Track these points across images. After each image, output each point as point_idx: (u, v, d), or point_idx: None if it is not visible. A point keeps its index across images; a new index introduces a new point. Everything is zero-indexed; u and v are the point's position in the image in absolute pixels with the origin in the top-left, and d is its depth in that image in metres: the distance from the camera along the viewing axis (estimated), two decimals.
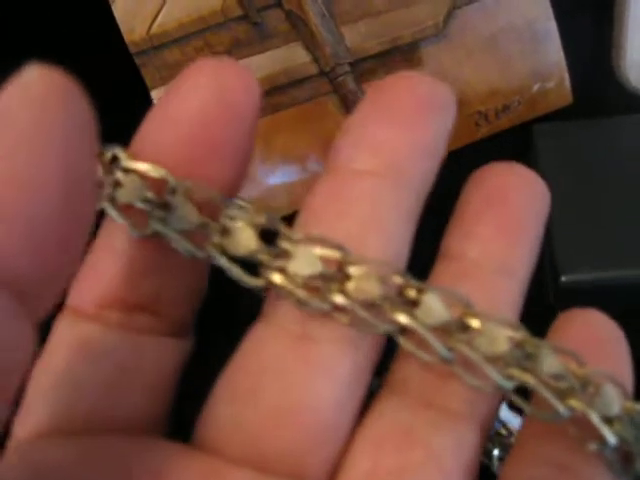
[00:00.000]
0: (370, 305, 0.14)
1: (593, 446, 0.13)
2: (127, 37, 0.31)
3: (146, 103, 0.31)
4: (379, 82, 0.15)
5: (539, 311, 0.31)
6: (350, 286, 0.13)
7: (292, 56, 0.32)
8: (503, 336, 0.14)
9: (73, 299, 0.15)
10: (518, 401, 0.14)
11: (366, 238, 0.14)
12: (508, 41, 0.34)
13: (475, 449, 0.14)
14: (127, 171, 0.13)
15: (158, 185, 0.13)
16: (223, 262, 0.13)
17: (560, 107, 0.35)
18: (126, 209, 0.13)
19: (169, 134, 0.13)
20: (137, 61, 0.31)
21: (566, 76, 0.35)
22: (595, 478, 0.13)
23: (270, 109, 0.33)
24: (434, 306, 0.14)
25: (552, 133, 0.32)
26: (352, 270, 0.13)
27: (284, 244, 0.14)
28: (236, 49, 0.32)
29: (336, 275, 0.14)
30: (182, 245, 0.13)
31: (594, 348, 0.14)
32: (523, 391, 0.14)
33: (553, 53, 0.35)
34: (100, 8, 0.30)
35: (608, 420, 0.13)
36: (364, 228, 0.14)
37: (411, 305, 0.14)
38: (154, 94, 0.32)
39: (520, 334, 0.14)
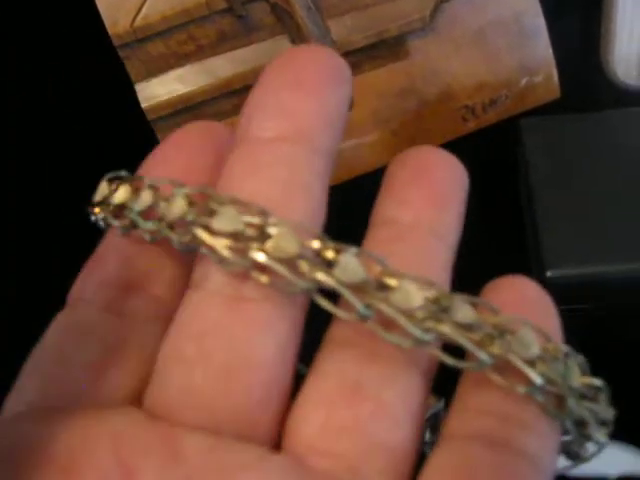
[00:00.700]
0: (289, 265, 0.14)
1: (522, 389, 0.14)
2: (110, 30, 0.31)
3: (130, 97, 0.31)
4: (282, 54, 0.16)
5: None
6: (269, 245, 0.14)
7: (278, 49, 0.32)
8: (418, 292, 0.14)
9: (73, 292, 0.16)
10: (440, 355, 0.14)
11: (289, 201, 0.15)
12: (496, 35, 0.34)
13: (421, 396, 0.15)
14: (124, 182, 0.16)
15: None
16: (155, 225, 0.15)
17: (548, 101, 0.35)
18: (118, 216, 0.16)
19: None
20: (121, 54, 0.31)
21: (554, 70, 0.35)
22: (532, 423, 0.14)
23: None
24: (350, 265, 0.14)
25: (539, 127, 0.31)
26: (272, 230, 0.14)
27: (212, 205, 0.14)
28: (221, 42, 0.32)
29: (257, 236, 0.14)
30: (140, 223, 0.15)
31: (523, 309, 0.15)
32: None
33: (541, 47, 0.34)
34: (83, 0, 0.30)
35: (530, 362, 0.14)
36: (285, 191, 0.15)
37: (329, 265, 0.14)
38: (138, 88, 0.31)
39: (434, 290, 0.14)
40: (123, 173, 0.17)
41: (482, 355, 0.14)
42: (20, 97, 0.34)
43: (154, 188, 0.16)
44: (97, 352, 0.15)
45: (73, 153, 0.34)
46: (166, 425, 0.14)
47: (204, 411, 0.14)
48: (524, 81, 0.34)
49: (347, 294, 0.14)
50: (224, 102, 0.32)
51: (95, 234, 0.17)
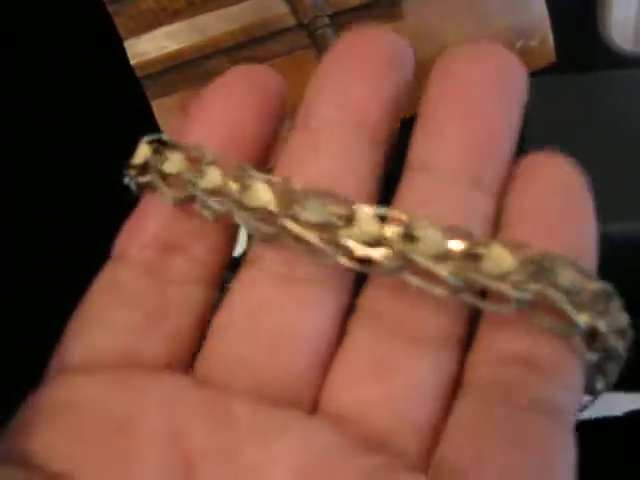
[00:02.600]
0: (376, 245, 0.14)
1: (593, 356, 0.14)
2: None
3: (119, 53, 0.31)
4: (343, 37, 0.16)
5: None
6: (355, 230, 0.14)
7: (270, 7, 0.32)
8: (507, 254, 0.14)
9: (117, 250, 0.16)
10: (531, 316, 0.14)
11: (340, 187, 0.15)
12: None
13: (452, 370, 0.15)
14: (173, 150, 0.16)
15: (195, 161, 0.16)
16: (239, 214, 0.15)
17: (543, 66, 0.34)
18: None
19: (207, 132, 0.16)
20: (110, 9, 0.31)
21: (550, 34, 0.34)
22: (558, 373, 0.14)
23: (247, 63, 0.32)
24: (434, 238, 0.14)
25: (533, 87, 0.31)
26: (356, 216, 0.14)
27: (295, 196, 0.15)
28: None
29: (341, 223, 0.14)
30: (208, 202, 0.15)
31: (561, 191, 0.15)
32: None
33: (537, 10, 0.34)
34: None
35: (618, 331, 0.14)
36: (338, 177, 0.15)
37: (412, 241, 0.14)
38: (128, 44, 0.31)
39: (527, 251, 0.14)
40: (164, 137, 0.16)
41: (580, 319, 0.13)
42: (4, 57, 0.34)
43: (215, 163, 0.15)
44: (139, 317, 0.15)
45: (63, 113, 0.34)
46: (214, 389, 0.15)
47: (250, 380, 0.15)
48: (519, 44, 0.34)
49: (437, 268, 0.14)
50: (215, 60, 0.32)
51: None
